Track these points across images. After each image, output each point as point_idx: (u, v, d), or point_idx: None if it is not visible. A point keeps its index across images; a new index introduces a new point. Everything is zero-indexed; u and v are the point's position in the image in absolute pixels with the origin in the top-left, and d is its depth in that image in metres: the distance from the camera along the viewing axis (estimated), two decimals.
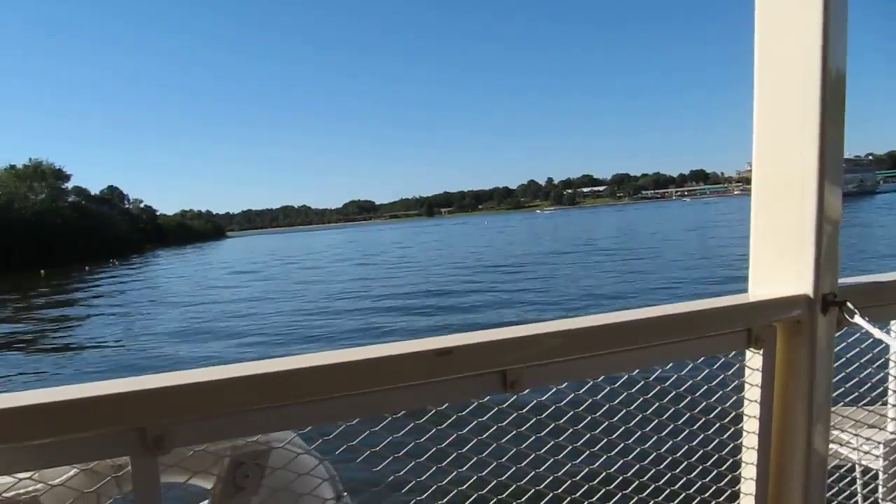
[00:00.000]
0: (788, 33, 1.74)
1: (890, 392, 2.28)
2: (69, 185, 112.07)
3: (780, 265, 1.81)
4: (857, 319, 1.75)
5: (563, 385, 1.55)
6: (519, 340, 1.45)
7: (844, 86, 1.74)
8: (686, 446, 1.75)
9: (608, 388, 1.62)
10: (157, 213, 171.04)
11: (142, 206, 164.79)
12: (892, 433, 2.30)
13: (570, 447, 1.62)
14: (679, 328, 1.66)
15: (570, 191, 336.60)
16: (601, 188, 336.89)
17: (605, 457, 1.66)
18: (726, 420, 1.79)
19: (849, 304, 1.76)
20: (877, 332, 1.76)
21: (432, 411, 1.44)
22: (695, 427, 1.76)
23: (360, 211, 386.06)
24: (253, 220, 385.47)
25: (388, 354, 1.34)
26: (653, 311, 1.65)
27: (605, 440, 1.66)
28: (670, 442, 1.74)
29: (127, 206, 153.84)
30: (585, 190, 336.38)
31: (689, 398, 1.73)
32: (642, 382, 1.65)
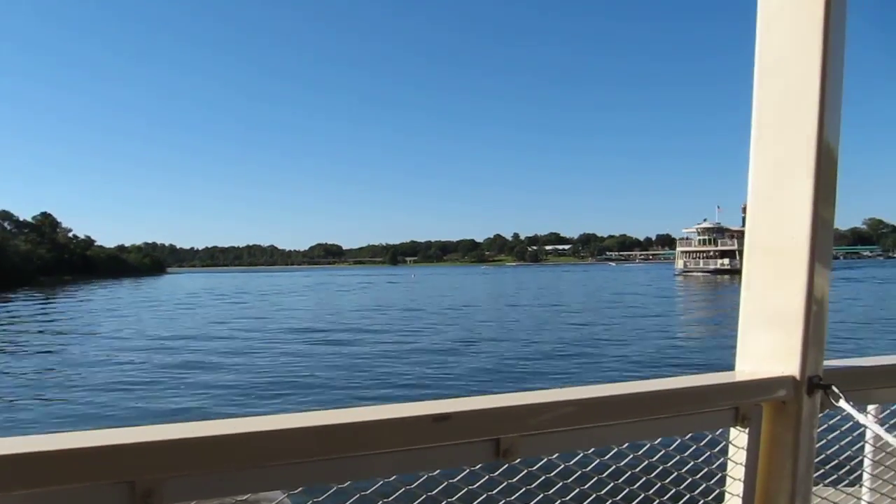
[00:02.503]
0: (785, 114, 1.82)
1: (865, 475, 2.32)
2: None
3: (767, 343, 1.87)
4: (842, 403, 1.81)
5: (555, 456, 1.56)
6: (515, 409, 1.48)
7: (837, 166, 1.81)
8: None
9: (597, 461, 1.64)
10: (95, 245, 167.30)
11: (70, 235, 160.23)
12: None
13: None
14: (669, 404, 1.70)
15: (534, 247, 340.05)
16: (566, 247, 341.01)
17: None
18: (710, 497, 1.83)
19: (834, 388, 1.81)
20: (860, 418, 1.82)
21: (424, 476, 1.44)
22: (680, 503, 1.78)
23: (327, 254, 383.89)
24: (216, 257, 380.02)
25: (384, 418, 1.35)
26: (644, 385, 1.69)
27: None
28: None
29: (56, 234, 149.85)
30: (549, 248, 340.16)
31: (675, 473, 1.77)
32: (631, 456, 1.67)
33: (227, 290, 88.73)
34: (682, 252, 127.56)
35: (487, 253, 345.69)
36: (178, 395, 17.32)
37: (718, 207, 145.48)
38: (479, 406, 1.44)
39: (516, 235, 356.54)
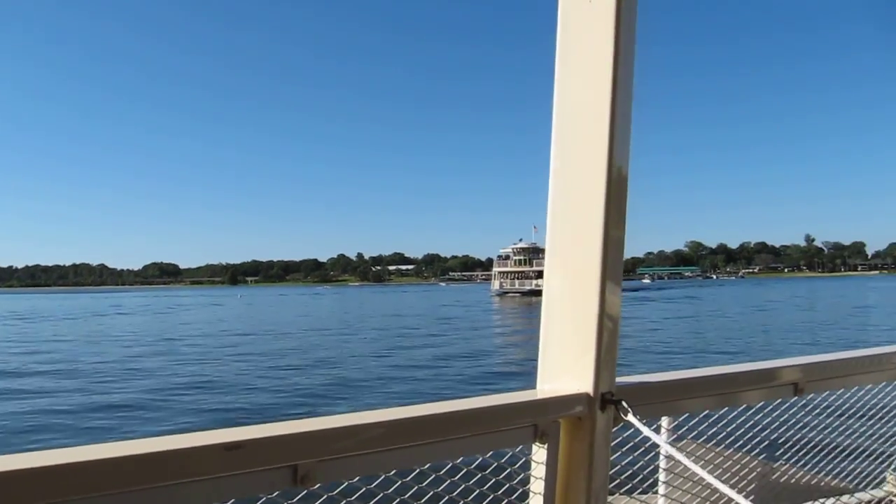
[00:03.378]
0: (578, 143, 1.96)
1: (660, 483, 2.51)
2: None
3: (565, 362, 1.99)
4: (630, 417, 1.95)
5: (356, 479, 1.58)
6: (313, 434, 1.48)
7: (626, 190, 1.97)
8: None
9: (399, 483, 1.66)
10: None
11: None
12: None
13: None
14: (470, 423, 1.77)
15: (378, 268, 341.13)
16: (410, 267, 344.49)
17: None
18: None
19: (623, 403, 1.95)
20: (645, 430, 1.96)
21: None
22: None
23: (162, 274, 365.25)
24: (37, 277, 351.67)
25: (173, 448, 1.31)
26: (445, 406, 1.75)
27: None
28: None
29: None
30: (392, 268, 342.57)
31: (477, 491, 1.83)
32: (433, 476, 1.71)
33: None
34: (499, 272, 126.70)
35: (332, 273, 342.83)
36: None
37: (535, 227, 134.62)
38: (275, 433, 1.43)
39: (360, 255, 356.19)
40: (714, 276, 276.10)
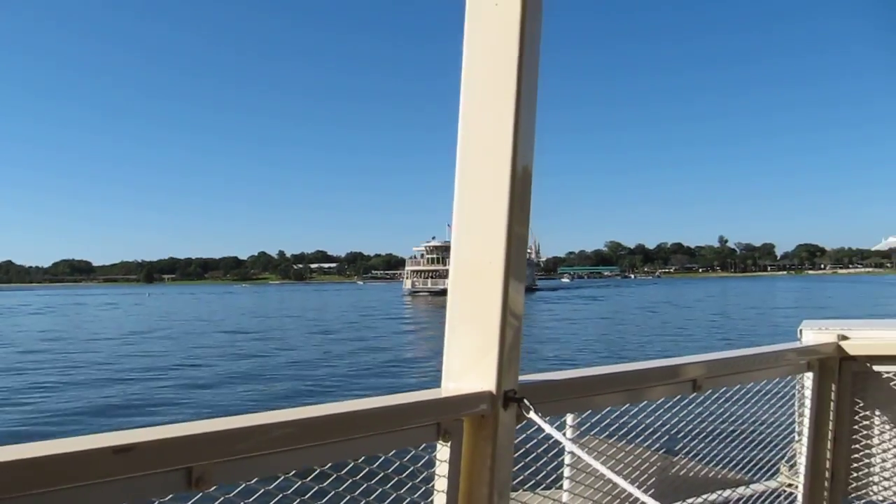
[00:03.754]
0: (484, 141, 1.99)
1: (564, 478, 2.57)
2: None
3: (469, 360, 2.01)
4: (532, 415, 1.99)
5: (254, 481, 1.56)
6: (209, 436, 1.46)
7: (530, 187, 2.01)
8: None
9: (299, 483, 1.65)
10: None
11: None
12: None
13: None
14: (373, 423, 1.77)
15: (300, 266, 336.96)
16: (333, 265, 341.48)
17: None
18: None
19: (525, 401, 1.98)
20: (546, 427, 2.01)
21: None
22: None
23: (73, 271, 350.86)
24: None
25: (57, 452, 1.27)
26: (348, 405, 1.75)
27: None
28: None
29: None
30: (314, 266, 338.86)
31: (380, 490, 1.83)
32: (334, 476, 1.71)
33: None
34: (412, 271, 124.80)
35: (252, 271, 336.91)
36: None
37: (449, 225, 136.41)
38: (168, 435, 1.40)
39: (282, 253, 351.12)
40: (632, 276, 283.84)
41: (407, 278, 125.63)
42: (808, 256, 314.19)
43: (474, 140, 2.01)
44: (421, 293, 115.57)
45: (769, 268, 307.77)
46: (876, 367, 3.29)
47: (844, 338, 3.30)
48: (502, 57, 1.94)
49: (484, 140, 1.99)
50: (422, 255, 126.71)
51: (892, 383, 3.28)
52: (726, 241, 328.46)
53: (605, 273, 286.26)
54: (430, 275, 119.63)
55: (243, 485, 1.57)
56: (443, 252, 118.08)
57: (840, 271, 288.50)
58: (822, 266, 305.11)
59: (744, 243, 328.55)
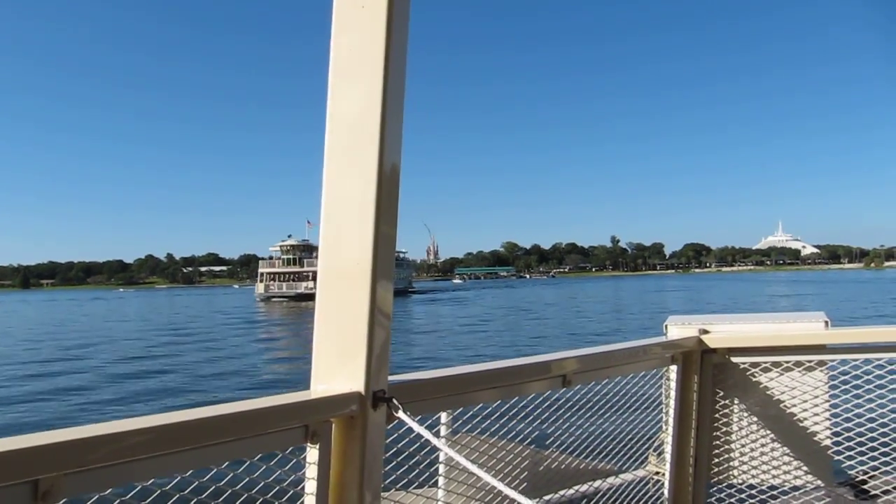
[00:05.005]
0: (351, 141, 2.03)
1: (439, 476, 2.64)
2: None
3: (338, 363, 2.04)
4: (400, 414, 2.04)
5: (108, 492, 1.54)
6: (57, 446, 1.42)
7: (398, 187, 2.06)
8: None
9: (159, 492, 1.64)
10: None
11: None
12: None
13: None
14: (238, 427, 1.77)
15: (189, 269, 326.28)
16: (224, 268, 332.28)
17: None
18: None
19: (394, 401, 2.03)
20: (416, 426, 2.06)
21: None
22: None
23: None
24: None
25: None
26: (212, 410, 1.74)
27: None
28: None
29: None
30: (204, 269, 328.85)
31: (245, 495, 1.83)
32: (196, 483, 1.70)
33: None
34: (267, 273, 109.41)
35: (139, 275, 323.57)
36: None
37: (309, 223, 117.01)
38: (10, 447, 1.36)
39: (170, 256, 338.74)
40: (528, 276, 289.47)
41: (260, 282, 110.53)
42: (695, 255, 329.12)
43: (341, 140, 2.05)
44: (275, 298, 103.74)
45: (658, 266, 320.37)
46: (734, 359, 3.54)
47: (705, 332, 3.53)
48: (368, 58, 1.99)
49: (351, 140, 2.02)
50: (278, 256, 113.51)
51: (748, 373, 3.53)
52: (618, 241, 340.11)
53: (502, 273, 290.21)
54: (288, 277, 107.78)
55: (97, 496, 1.54)
56: (300, 252, 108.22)
57: (724, 269, 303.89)
58: (708, 265, 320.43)
59: (635, 243, 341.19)
